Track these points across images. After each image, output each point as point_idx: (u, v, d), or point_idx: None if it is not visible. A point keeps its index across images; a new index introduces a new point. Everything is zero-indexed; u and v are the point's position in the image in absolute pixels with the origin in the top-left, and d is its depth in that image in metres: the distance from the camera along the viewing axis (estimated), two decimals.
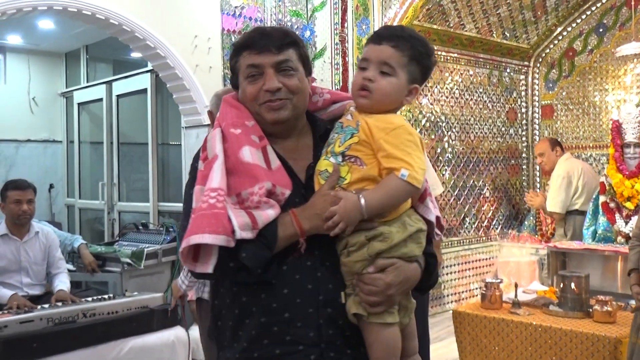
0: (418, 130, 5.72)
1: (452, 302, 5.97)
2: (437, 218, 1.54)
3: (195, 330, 3.68)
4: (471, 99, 6.32)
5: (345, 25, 5.23)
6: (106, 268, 4.63)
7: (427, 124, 5.86)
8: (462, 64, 6.20)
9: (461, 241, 6.16)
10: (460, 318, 3.59)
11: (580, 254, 4.27)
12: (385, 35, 1.48)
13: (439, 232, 1.56)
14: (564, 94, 6.70)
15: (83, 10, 4.50)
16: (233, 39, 5.13)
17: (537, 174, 6.84)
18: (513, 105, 6.80)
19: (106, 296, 3.77)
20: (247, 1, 5.28)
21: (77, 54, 7.79)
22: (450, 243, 6.01)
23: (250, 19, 5.32)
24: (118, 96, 6.95)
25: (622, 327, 3.07)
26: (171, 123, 6.39)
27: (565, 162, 5.48)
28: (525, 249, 5.74)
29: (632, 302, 3.00)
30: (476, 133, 6.37)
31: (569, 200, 5.34)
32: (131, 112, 6.99)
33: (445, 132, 6.04)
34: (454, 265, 6.05)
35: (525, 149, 6.86)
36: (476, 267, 6.26)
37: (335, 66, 5.24)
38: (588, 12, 6.43)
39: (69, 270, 4.37)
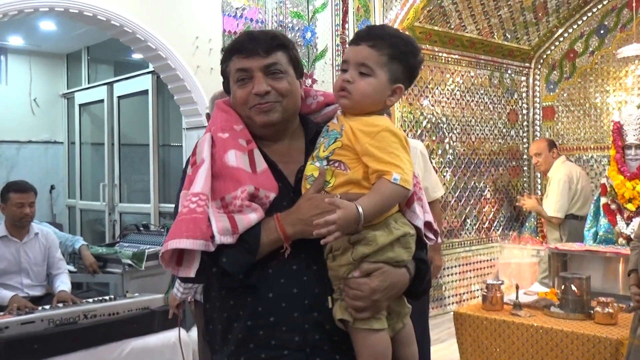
0: (419, 131, 5.72)
1: (453, 303, 5.96)
2: (429, 223, 1.51)
3: (196, 332, 3.67)
4: (472, 101, 6.32)
5: (346, 26, 5.23)
6: (107, 269, 4.64)
7: (428, 126, 5.85)
8: (463, 65, 6.20)
9: (462, 243, 6.15)
10: (461, 319, 3.58)
11: (581, 256, 4.25)
12: (363, 35, 1.47)
13: (432, 237, 1.53)
14: (565, 95, 6.70)
15: (84, 11, 4.51)
16: None
17: (538, 175, 6.83)
18: (514, 106, 6.80)
19: (107, 297, 3.78)
20: (248, 2, 5.29)
21: (79, 55, 7.81)
22: (451, 244, 6.00)
23: (252, 20, 5.32)
24: (119, 97, 6.97)
25: (624, 329, 3.06)
26: (172, 124, 6.40)
27: (564, 166, 5.47)
28: (526, 251, 5.74)
29: (632, 303, 3.00)
30: (477, 134, 6.36)
31: (569, 204, 5.34)
32: (132, 113, 7.01)
33: (446, 134, 6.03)
34: (455, 266, 6.05)
35: (526, 151, 6.85)
36: (477, 269, 6.25)
37: (336, 67, 5.23)
38: (589, 14, 6.43)
39: (70, 272, 4.37)
